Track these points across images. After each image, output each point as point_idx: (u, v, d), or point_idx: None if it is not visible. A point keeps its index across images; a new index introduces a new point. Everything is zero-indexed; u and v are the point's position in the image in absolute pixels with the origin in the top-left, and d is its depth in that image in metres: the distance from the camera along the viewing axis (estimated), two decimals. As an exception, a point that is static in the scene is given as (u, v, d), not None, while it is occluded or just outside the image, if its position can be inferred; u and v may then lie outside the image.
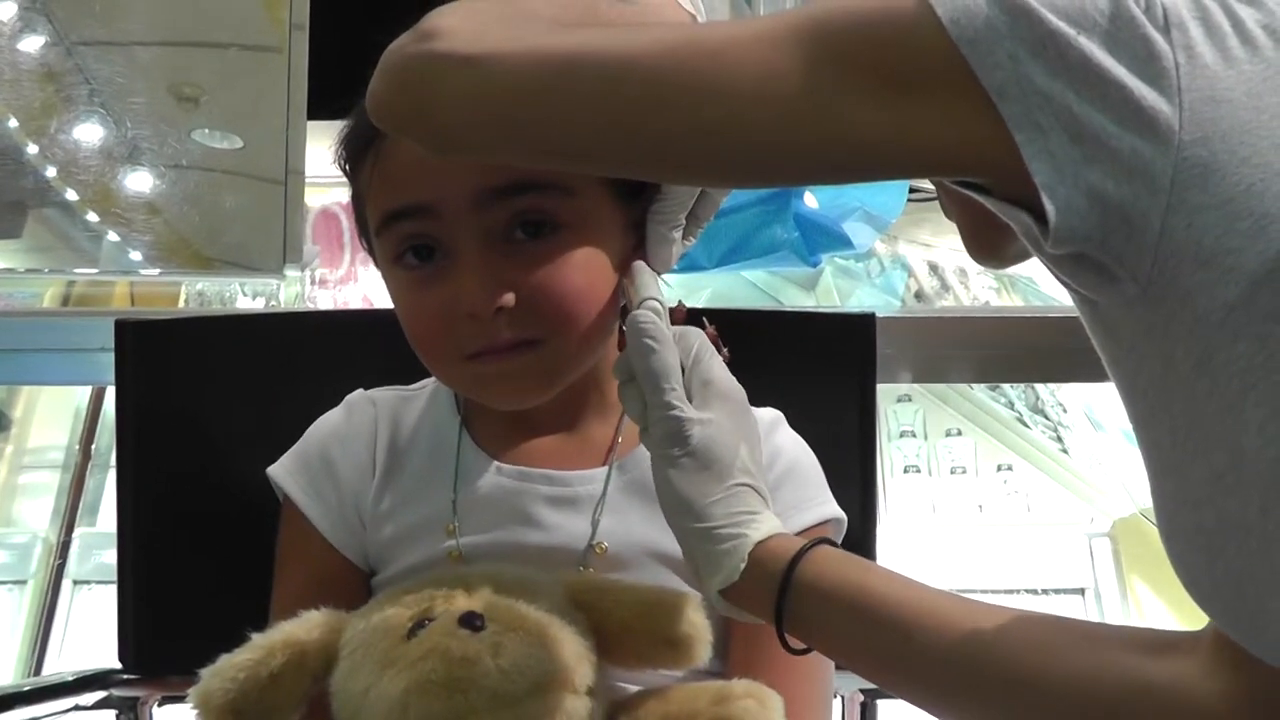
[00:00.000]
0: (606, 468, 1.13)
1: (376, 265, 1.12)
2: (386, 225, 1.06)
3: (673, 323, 0.99)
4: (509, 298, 1.03)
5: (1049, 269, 0.77)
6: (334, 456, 1.18)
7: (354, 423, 1.20)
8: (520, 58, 0.83)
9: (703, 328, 1.02)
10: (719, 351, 1.00)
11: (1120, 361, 0.76)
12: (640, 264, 1.05)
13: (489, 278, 1.02)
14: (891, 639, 0.86)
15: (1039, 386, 2.87)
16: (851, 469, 1.35)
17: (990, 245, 0.94)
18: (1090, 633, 0.85)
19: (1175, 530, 0.75)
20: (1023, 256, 0.92)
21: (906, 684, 0.89)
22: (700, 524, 0.92)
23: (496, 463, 1.14)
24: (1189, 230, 0.70)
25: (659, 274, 1.06)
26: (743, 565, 0.90)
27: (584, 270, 1.05)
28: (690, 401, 0.95)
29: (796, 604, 0.89)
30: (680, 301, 1.03)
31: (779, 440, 1.18)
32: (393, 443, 1.18)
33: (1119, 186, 0.71)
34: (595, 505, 1.11)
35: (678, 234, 1.07)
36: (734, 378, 0.99)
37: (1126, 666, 0.81)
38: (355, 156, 1.10)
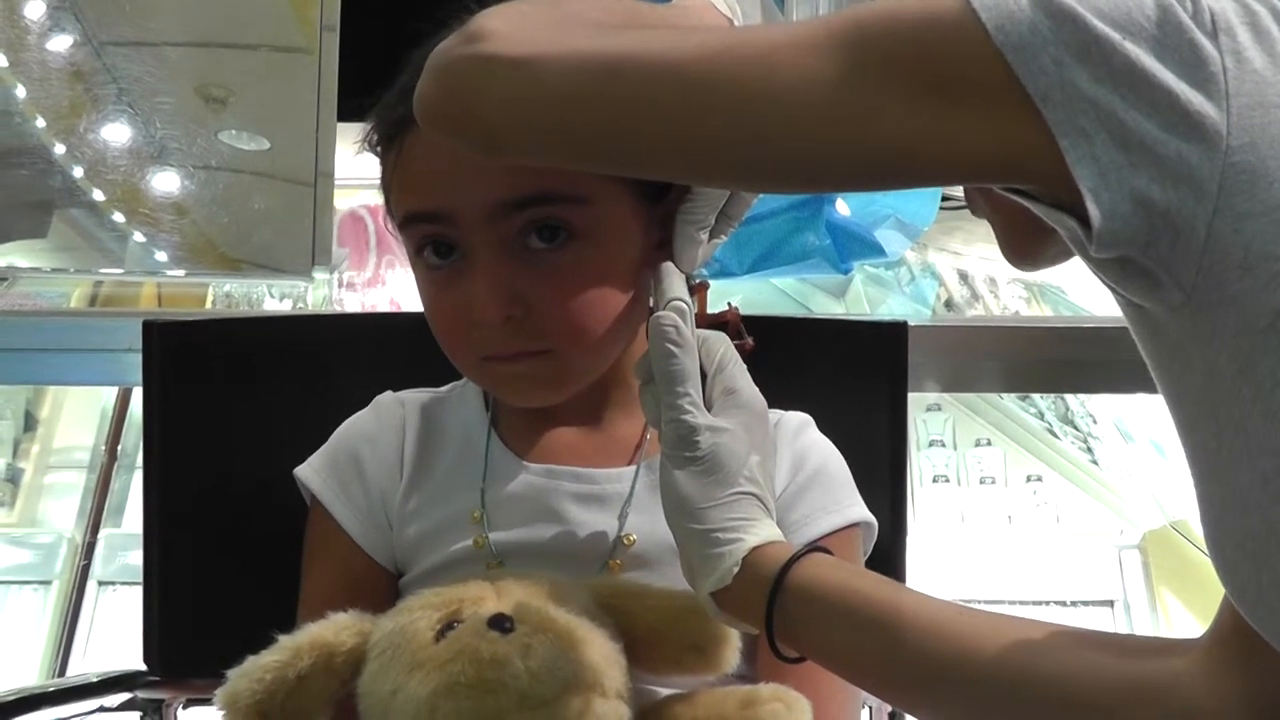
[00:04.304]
0: (634, 467, 1.13)
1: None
2: (407, 224, 1.08)
3: (694, 297, 0.99)
4: (518, 308, 1.03)
5: (1094, 273, 0.76)
6: (363, 457, 1.18)
7: (382, 423, 1.20)
8: (567, 61, 0.83)
9: (726, 311, 1.02)
10: (742, 338, 1.00)
11: (1165, 366, 0.76)
12: (667, 265, 1.05)
13: (499, 287, 1.03)
14: (881, 640, 0.87)
15: (1069, 397, 2.85)
16: (882, 477, 1.34)
17: (1025, 248, 0.93)
18: (1083, 636, 0.85)
19: (1222, 536, 0.74)
20: (1058, 259, 0.92)
21: (896, 686, 0.90)
22: (698, 526, 0.93)
23: (524, 461, 1.14)
24: (1235, 236, 0.69)
25: (685, 274, 1.05)
26: (736, 569, 0.91)
27: (597, 280, 1.05)
28: (710, 408, 0.96)
29: (787, 607, 0.89)
30: (705, 280, 1.03)
31: (807, 442, 1.17)
32: (421, 442, 1.18)
33: (1164, 192, 0.70)
34: (623, 503, 1.12)
35: (705, 234, 1.06)
36: (756, 388, 0.99)
37: (1118, 666, 0.82)
38: (381, 147, 1.10)
